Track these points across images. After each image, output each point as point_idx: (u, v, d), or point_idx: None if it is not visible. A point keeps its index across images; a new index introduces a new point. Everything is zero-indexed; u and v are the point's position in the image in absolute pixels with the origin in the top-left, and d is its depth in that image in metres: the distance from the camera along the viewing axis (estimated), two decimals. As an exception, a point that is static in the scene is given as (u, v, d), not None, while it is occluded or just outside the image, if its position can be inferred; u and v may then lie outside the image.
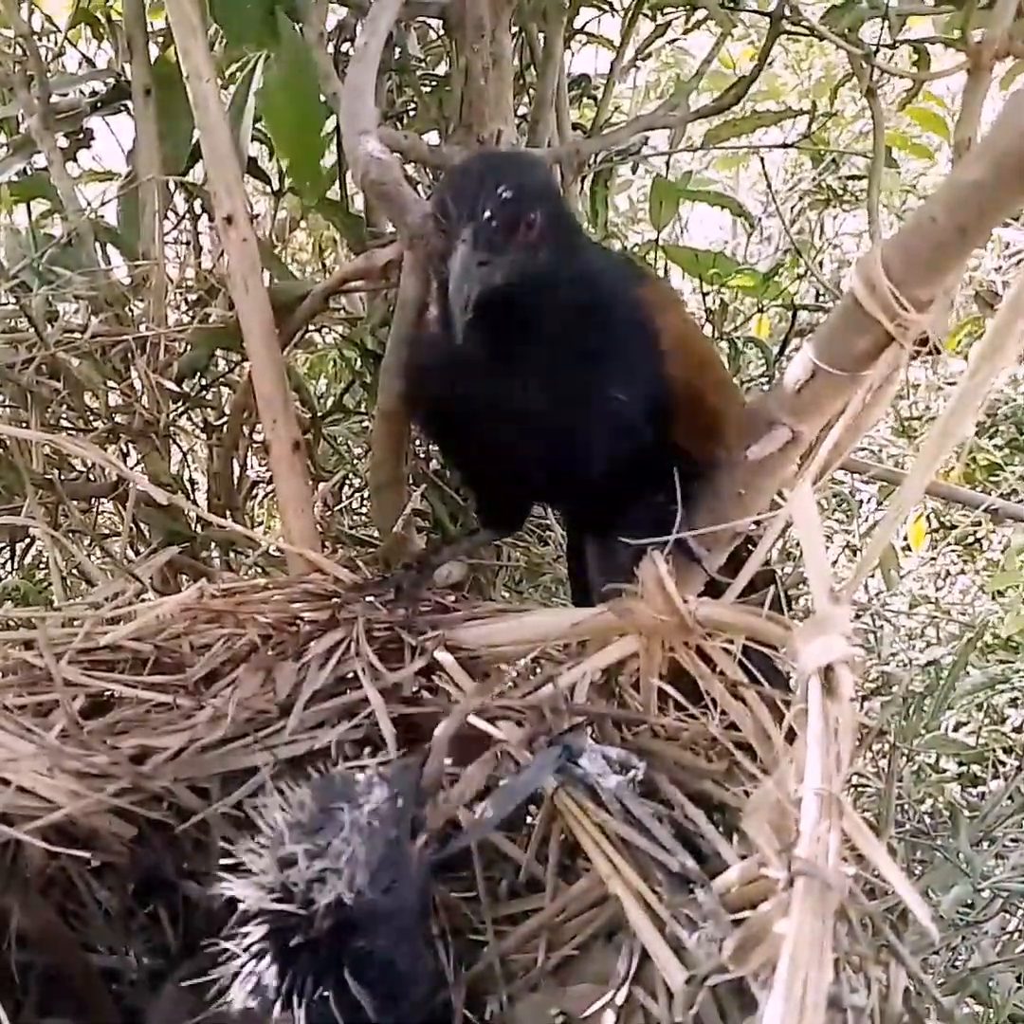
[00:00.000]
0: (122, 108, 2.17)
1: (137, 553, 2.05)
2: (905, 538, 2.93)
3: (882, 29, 2.02)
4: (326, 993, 0.95)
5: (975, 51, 1.87)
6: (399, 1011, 1.00)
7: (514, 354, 1.34)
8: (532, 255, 1.27)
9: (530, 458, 1.41)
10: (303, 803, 1.01)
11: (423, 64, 2.32)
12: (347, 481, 2.40)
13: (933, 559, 3.05)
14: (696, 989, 0.86)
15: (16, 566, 2.31)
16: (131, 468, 2.01)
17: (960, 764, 2.35)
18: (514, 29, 1.99)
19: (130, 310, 2.06)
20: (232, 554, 2.22)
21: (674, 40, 2.55)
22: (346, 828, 0.98)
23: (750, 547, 1.55)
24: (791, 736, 0.91)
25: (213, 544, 2.15)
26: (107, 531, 2.35)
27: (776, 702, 1.04)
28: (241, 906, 0.97)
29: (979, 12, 1.88)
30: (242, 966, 0.96)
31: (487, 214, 1.24)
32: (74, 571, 2.13)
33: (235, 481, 2.21)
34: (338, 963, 0.96)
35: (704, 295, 2.43)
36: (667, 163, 2.55)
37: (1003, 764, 2.46)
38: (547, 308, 1.33)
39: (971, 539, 3.21)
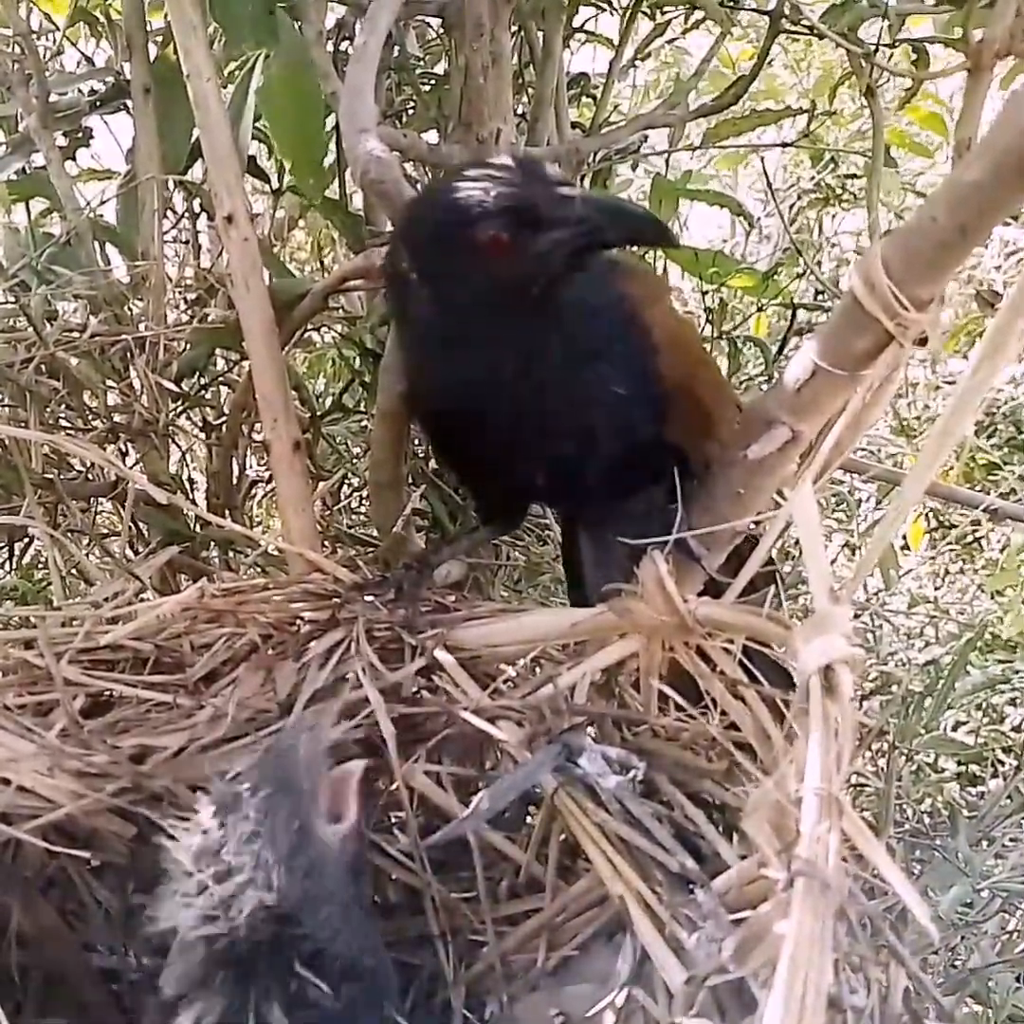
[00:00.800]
0: (121, 107, 2.16)
1: (136, 553, 2.05)
2: (904, 538, 2.94)
3: (881, 28, 2.02)
4: (284, 993, 0.96)
5: (975, 51, 1.87)
6: (363, 987, 1.00)
7: (510, 350, 1.35)
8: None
9: (528, 455, 1.41)
10: (204, 828, 1.01)
11: (422, 63, 2.31)
12: (346, 481, 2.39)
13: (932, 558, 3.05)
14: (696, 989, 0.86)
15: (14, 566, 2.31)
16: (130, 467, 2.01)
17: (959, 764, 2.35)
18: (513, 28, 1.99)
19: (129, 309, 2.06)
20: (231, 554, 2.22)
21: (672, 39, 2.55)
22: (240, 839, 0.98)
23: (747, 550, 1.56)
24: (791, 736, 0.91)
25: (212, 544, 2.15)
26: (106, 531, 2.35)
27: (776, 702, 1.04)
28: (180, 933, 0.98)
29: (979, 11, 1.88)
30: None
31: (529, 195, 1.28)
32: (73, 571, 2.13)
33: (234, 481, 2.21)
34: (285, 959, 0.97)
35: (703, 294, 2.44)
36: (666, 162, 2.55)
37: (1002, 763, 2.46)
38: (549, 304, 1.34)
39: (970, 539, 3.21)
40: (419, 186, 1.86)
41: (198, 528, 2.04)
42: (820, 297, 3.02)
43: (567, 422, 1.38)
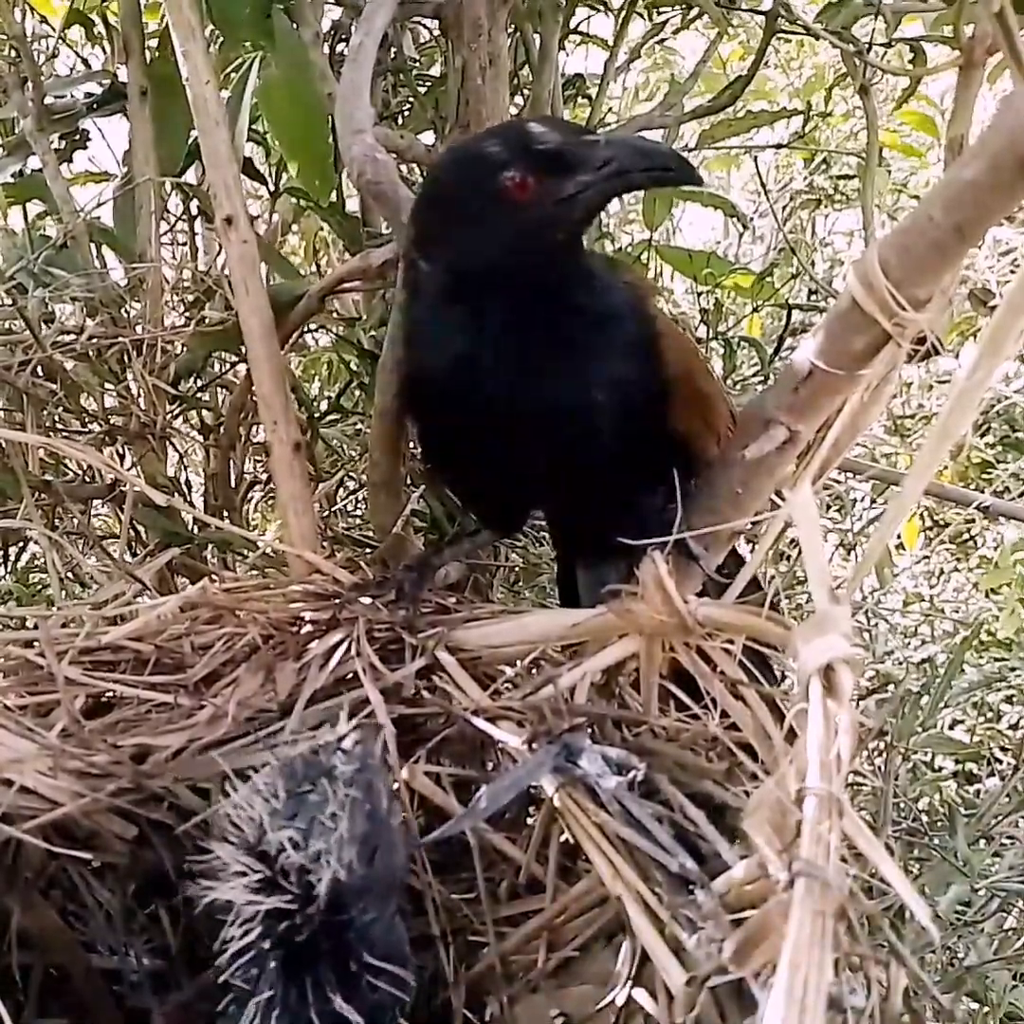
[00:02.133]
0: (118, 109, 2.16)
1: (135, 555, 2.05)
2: (899, 536, 2.94)
3: (874, 27, 2.03)
4: (329, 976, 0.94)
5: (967, 48, 1.88)
6: (394, 981, 0.99)
7: (513, 340, 1.35)
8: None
9: (530, 443, 1.40)
10: (274, 790, 0.99)
11: (418, 64, 2.32)
12: (344, 482, 2.40)
13: (927, 557, 3.06)
14: (696, 990, 0.86)
15: (11, 569, 2.31)
16: (128, 470, 2.01)
17: (956, 762, 2.36)
18: (509, 29, 1.99)
19: (126, 312, 2.06)
20: (230, 556, 2.22)
21: (663, 40, 2.55)
22: (326, 806, 0.96)
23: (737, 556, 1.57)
24: (791, 736, 0.91)
25: (211, 546, 2.15)
26: (104, 533, 2.35)
27: (776, 702, 1.04)
28: (235, 914, 0.95)
29: (970, 8, 1.88)
30: (242, 970, 0.95)
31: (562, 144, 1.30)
32: (71, 574, 2.13)
33: (232, 482, 2.21)
34: (337, 947, 0.95)
35: (698, 295, 2.44)
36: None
37: (999, 762, 2.46)
38: (552, 290, 1.35)
39: (965, 537, 3.22)
40: (415, 188, 1.86)
41: (196, 530, 2.04)
42: (813, 297, 3.02)
43: (573, 404, 1.38)
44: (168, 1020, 1.12)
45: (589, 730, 1.11)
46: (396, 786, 1.09)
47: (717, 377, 1.92)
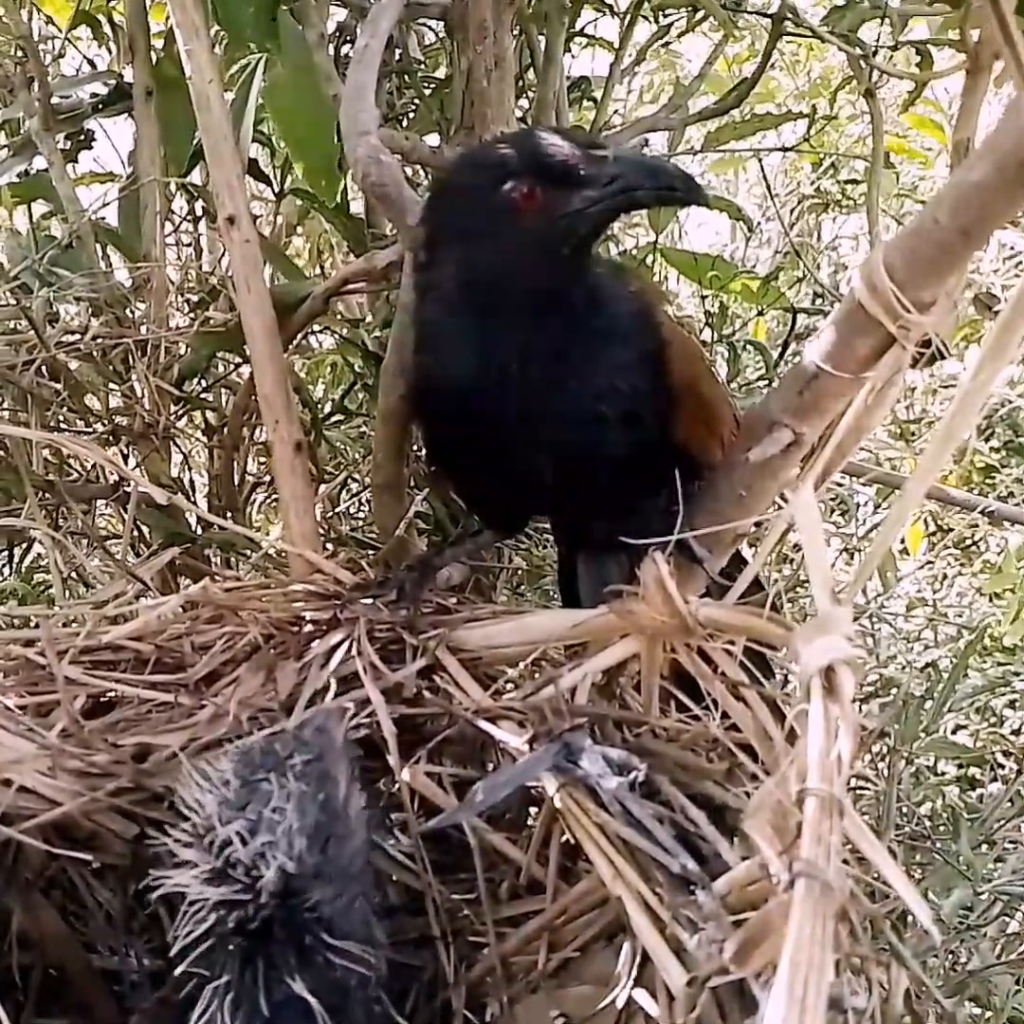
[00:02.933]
0: (123, 110, 2.16)
1: (137, 555, 2.05)
2: (902, 541, 2.94)
3: (881, 30, 2.02)
4: (285, 960, 0.95)
5: (974, 51, 1.87)
6: (356, 960, 0.99)
7: (526, 332, 1.35)
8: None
9: (536, 448, 1.40)
10: (226, 779, 0.99)
11: (423, 66, 2.32)
12: (347, 484, 2.40)
13: (931, 562, 3.05)
14: (697, 991, 0.86)
15: (15, 569, 2.31)
16: (131, 469, 2.01)
17: (959, 767, 2.35)
18: (514, 31, 1.99)
19: (131, 312, 2.06)
20: (233, 556, 2.22)
21: (669, 42, 2.55)
22: (275, 797, 0.97)
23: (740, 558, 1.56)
24: (792, 737, 0.91)
25: (214, 546, 2.15)
26: (107, 533, 2.35)
27: (777, 702, 1.04)
28: (189, 903, 0.96)
29: (977, 12, 1.88)
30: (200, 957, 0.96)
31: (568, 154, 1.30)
32: (74, 574, 2.13)
33: (236, 483, 2.21)
34: (292, 931, 0.96)
35: (703, 298, 2.44)
36: (666, 166, 2.54)
37: (1002, 767, 2.46)
38: (558, 300, 1.35)
39: (968, 542, 3.21)
40: (420, 190, 1.86)
41: (199, 530, 2.04)
42: (819, 301, 3.02)
43: (579, 411, 1.37)
44: (147, 1017, 1.12)
45: (590, 730, 1.11)
46: (354, 769, 1.09)
47: (721, 380, 1.92)
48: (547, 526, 2.17)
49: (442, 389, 1.45)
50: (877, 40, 2.03)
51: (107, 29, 2.24)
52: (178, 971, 0.98)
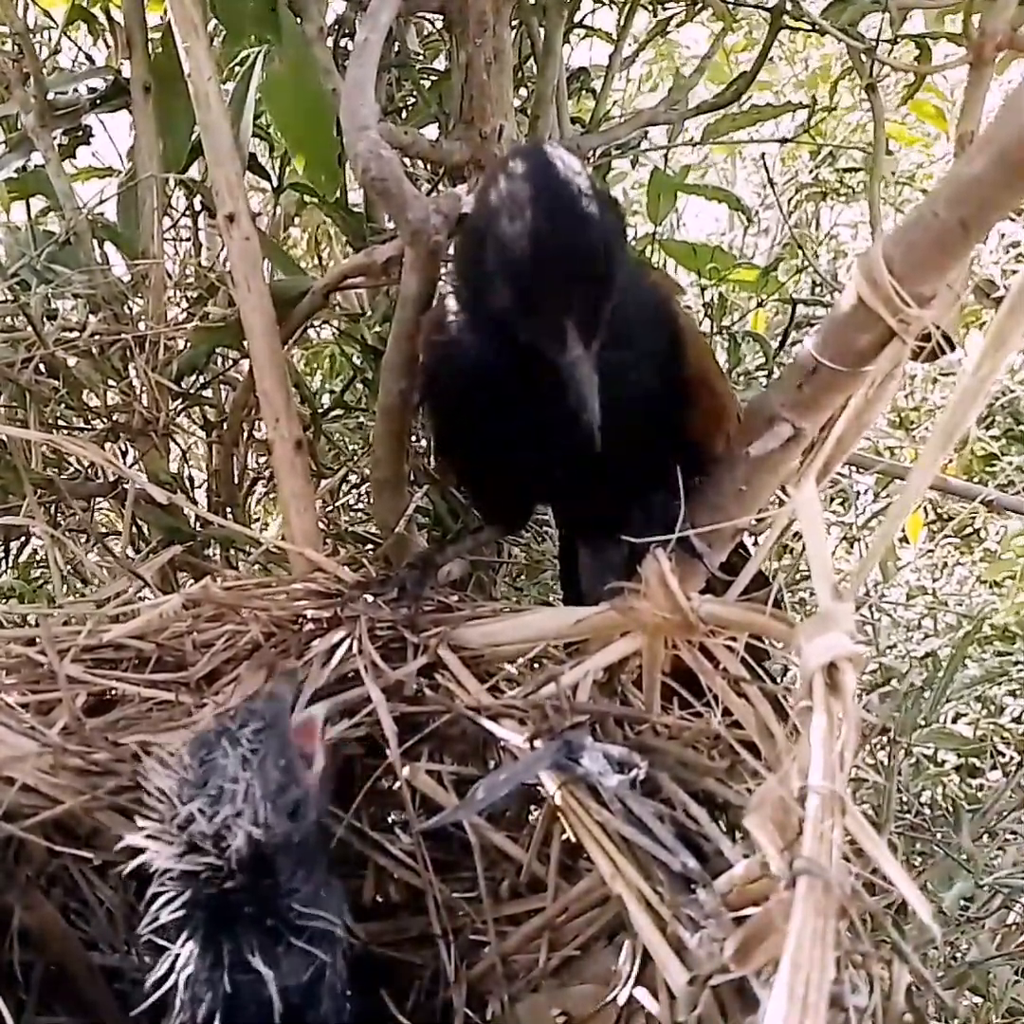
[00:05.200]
0: (121, 105, 2.16)
1: (137, 552, 2.05)
2: (902, 530, 2.93)
3: (882, 22, 2.02)
4: (248, 934, 0.95)
5: (977, 44, 1.87)
6: (324, 957, 1.00)
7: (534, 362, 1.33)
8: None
9: (547, 457, 1.40)
10: (185, 763, 1.00)
11: (422, 59, 2.31)
12: (347, 479, 2.39)
13: (930, 551, 3.05)
14: (698, 989, 0.86)
15: (12, 565, 2.31)
16: (130, 467, 2.01)
17: (959, 756, 2.35)
18: (513, 23, 1.98)
19: (129, 308, 2.06)
20: (233, 553, 2.22)
21: (668, 33, 2.55)
22: (232, 768, 0.98)
23: (741, 549, 1.56)
24: (794, 733, 0.91)
25: (213, 543, 2.15)
26: (106, 530, 2.35)
27: (779, 699, 1.04)
28: (153, 868, 0.96)
29: (980, 4, 1.87)
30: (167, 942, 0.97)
31: (583, 315, 1.22)
32: (73, 570, 2.13)
33: (235, 479, 2.21)
34: (260, 906, 0.96)
35: (702, 289, 2.43)
36: (665, 157, 2.54)
37: (1002, 756, 2.46)
38: None
39: (968, 530, 3.21)
40: (419, 184, 1.86)
41: (199, 527, 2.04)
42: (818, 291, 3.01)
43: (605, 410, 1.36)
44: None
45: (591, 728, 1.11)
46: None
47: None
48: (547, 519, 2.17)
49: (453, 391, 1.46)
50: (878, 33, 2.02)
51: (104, 24, 2.23)
52: (143, 939, 0.98)
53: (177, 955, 0.96)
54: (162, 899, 0.96)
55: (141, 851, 0.97)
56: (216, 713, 1.08)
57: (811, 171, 3.35)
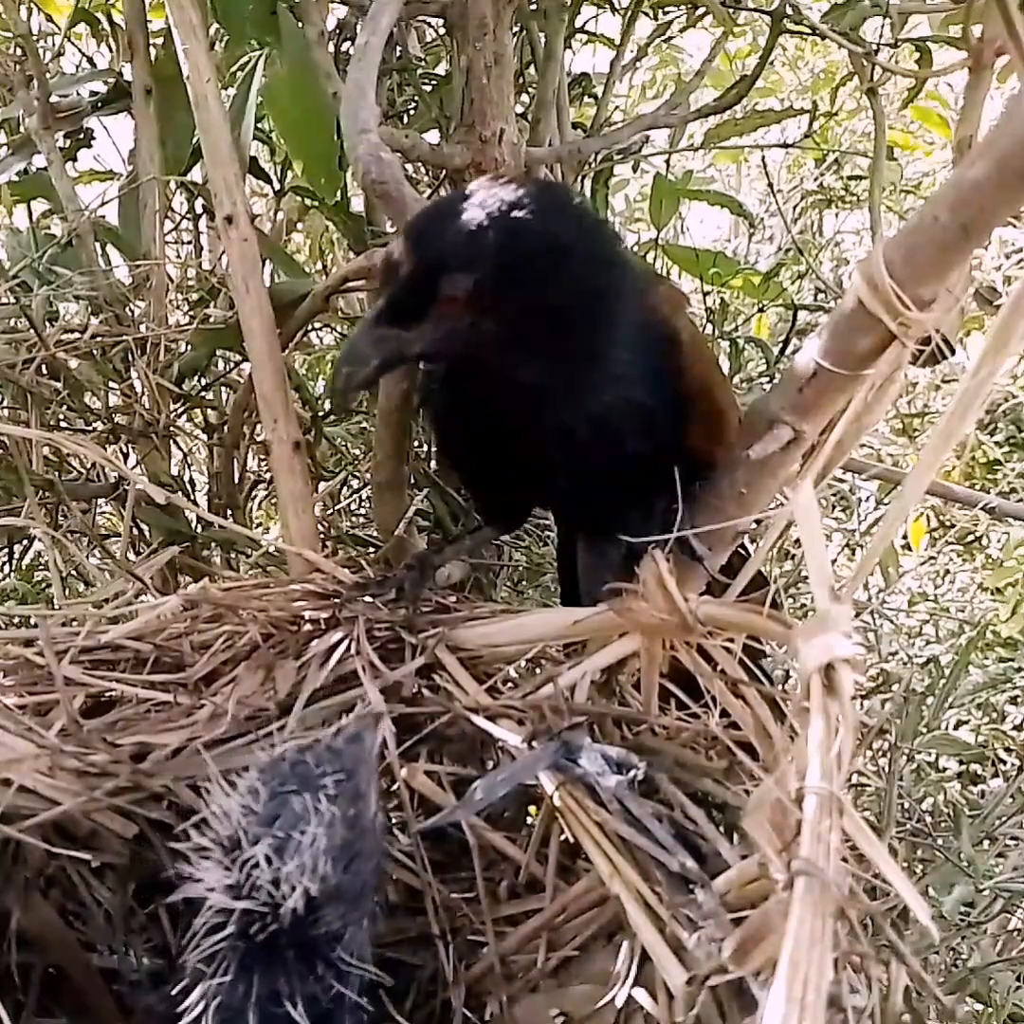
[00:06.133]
0: (122, 108, 2.16)
1: (137, 554, 2.05)
2: (904, 537, 2.93)
3: (882, 27, 2.02)
4: (292, 983, 0.94)
5: (977, 49, 1.87)
6: (359, 986, 0.99)
7: (525, 370, 1.34)
8: (464, 325, 1.26)
9: (550, 461, 1.41)
10: (255, 790, 0.98)
11: (423, 63, 2.32)
12: (347, 482, 2.40)
13: (932, 557, 3.05)
14: (697, 990, 0.86)
15: (14, 567, 2.31)
16: (131, 468, 2.01)
17: (960, 763, 2.35)
18: (514, 28, 1.98)
19: (130, 310, 2.06)
20: (233, 554, 2.22)
21: (669, 38, 2.55)
22: (305, 817, 0.96)
23: (741, 550, 1.56)
24: (792, 735, 0.91)
25: (213, 544, 2.15)
26: (107, 531, 2.35)
27: (776, 700, 1.04)
28: (207, 906, 0.95)
29: (979, 9, 1.87)
30: (206, 970, 0.95)
31: (401, 287, 1.26)
32: (73, 572, 2.13)
33: (236, 481, 2.21)
34: (300, 947, 0.95)
35: (704, 295, 2.43)
36: (667, 162, 2.55)
37: (1003, 763, 2.46)
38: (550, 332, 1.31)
39: (970, 537, 3.21)
40: (419, 187, 1.86)
41: (199, 529, 2.04)
42: (820, 297, 3.02)
43: (592, 422, 1.37)
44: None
45: (589, 729, 1.11)
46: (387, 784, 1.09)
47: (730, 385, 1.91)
48: (547, 522, 2.18)
49: (451, 403, 1.49)
50: (879, 37, 2.03)
51: (106, 27, 2.24)
52: (182, 965, 0.97)
53: (211, 984, 0.94)
54: (205, 926, 0.95)
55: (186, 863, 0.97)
56: (299, 744, 1.06)
57: (815, 178, 3.35)
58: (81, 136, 2.23)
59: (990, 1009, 1.68)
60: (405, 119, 2.29)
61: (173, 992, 0.98)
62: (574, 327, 1.31)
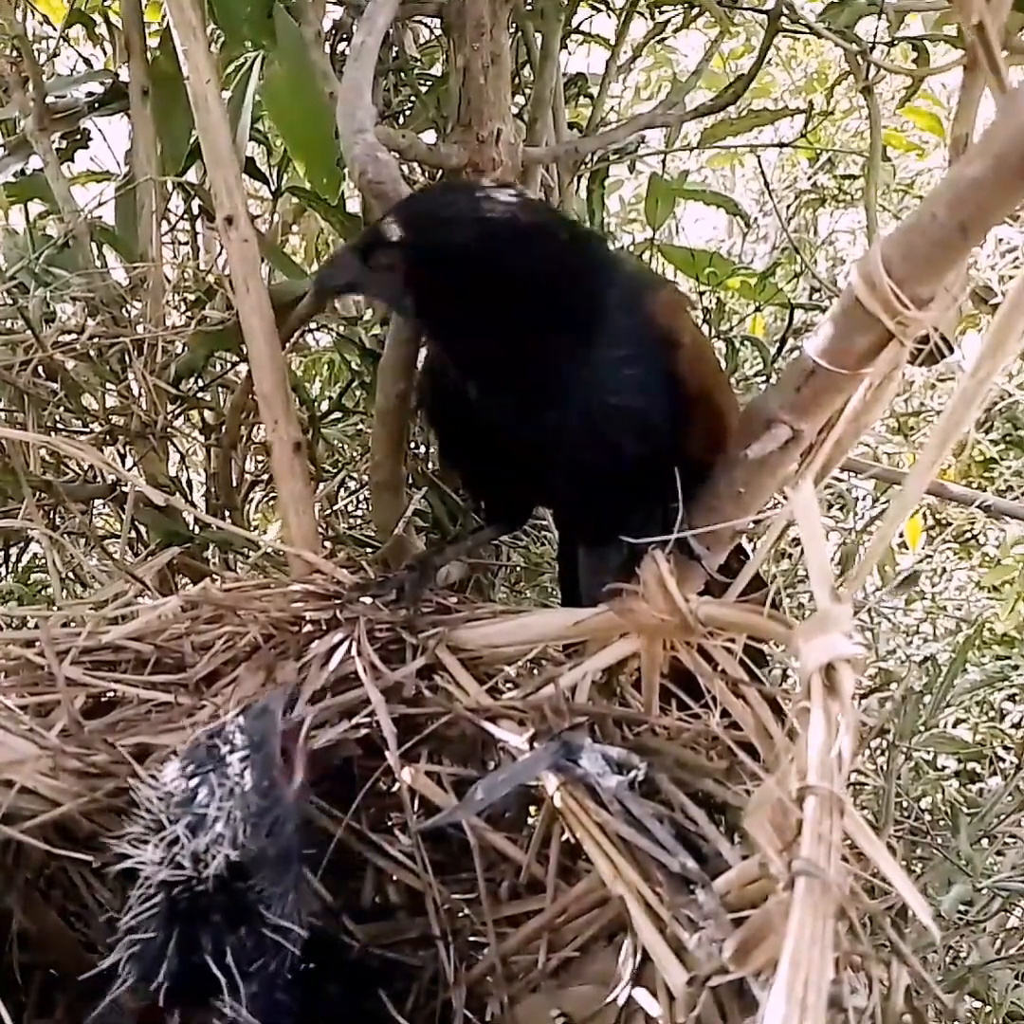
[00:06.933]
0: (119, 109, 2.16)
1: (136, 555, 2.05)
2: (901, 535, 2.93)
3: (878, 26, 2.02)
4: (215, 937, 0.99)
5: (972, 47, 1.87)
6: (289, 950, 1.03)
7: (523, 399, 1.36)
8: (397, 290, 1.38)
9: (549, 465, 1.41)
10: (174, 778, 1.04)
11: (420, 63, 2.31)
12: (346, 482, 2.39)
13: (929, 556, 3.05)
14: (697, 990, 0.86)
15: (11, 569, 2.31)
16: (129, 469, 2.01)
17: (959, 761, 2.35)
18: (511, 28, 1.98)
19: (127, 311, 2.06)
20: (231, 555, 2.22)
21: (665, 39, 2.55)
22: (216, 790, 1.02)
23: (740, 555, 1.56)
24: (792, 735, 0.91)
25: (212, 545, 2.15)
26: (105, 533, 2.35)
27: (777, 700, 1.04)
28: (142, 878, 1.00)
29: (977, 8, 1.87)
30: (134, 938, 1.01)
31: (365, 236, 1.41)
32: (72, 573, 2.13)
33: (234, 482, 2.21)
34: (229, 910, 1.00)
35: (700, 295, 2.43)
36: (663, 162, 2.54)
37: (1001, 760, 2.46)
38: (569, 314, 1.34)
39: (967, 535, 3.21)
40: (416, 187, 1.86)
41: (198, 530, 2.04)
42: (816, 296, 3.01)
43: (591, 428, 1.38)
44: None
45: (590, 729, 1.11)
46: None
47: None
48: (545, 523, 2.18)
49: (446, 403, 1.51)
50: (874, 36, 2.03)
51: (102, 28, 2.24)
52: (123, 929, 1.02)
53: (134, 937, 1.00)
54: (140, 895, 1.00)
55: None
56: (207, 727, 1.10)
57: (810, 177, 3.35)
58: (77, 137, 2.23)
59: (989, 1007, 1.68)
60: (401, 119, 2.28)
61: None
62: (533, 332, 1.34)
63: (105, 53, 2.30)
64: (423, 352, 1.61)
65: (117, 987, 1.02)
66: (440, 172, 1.96)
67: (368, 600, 1.40)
